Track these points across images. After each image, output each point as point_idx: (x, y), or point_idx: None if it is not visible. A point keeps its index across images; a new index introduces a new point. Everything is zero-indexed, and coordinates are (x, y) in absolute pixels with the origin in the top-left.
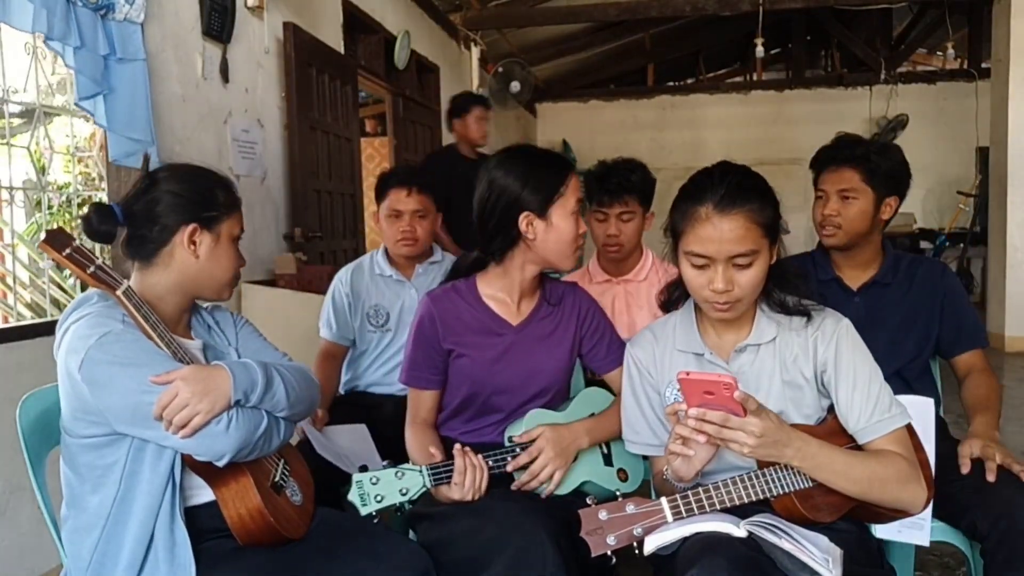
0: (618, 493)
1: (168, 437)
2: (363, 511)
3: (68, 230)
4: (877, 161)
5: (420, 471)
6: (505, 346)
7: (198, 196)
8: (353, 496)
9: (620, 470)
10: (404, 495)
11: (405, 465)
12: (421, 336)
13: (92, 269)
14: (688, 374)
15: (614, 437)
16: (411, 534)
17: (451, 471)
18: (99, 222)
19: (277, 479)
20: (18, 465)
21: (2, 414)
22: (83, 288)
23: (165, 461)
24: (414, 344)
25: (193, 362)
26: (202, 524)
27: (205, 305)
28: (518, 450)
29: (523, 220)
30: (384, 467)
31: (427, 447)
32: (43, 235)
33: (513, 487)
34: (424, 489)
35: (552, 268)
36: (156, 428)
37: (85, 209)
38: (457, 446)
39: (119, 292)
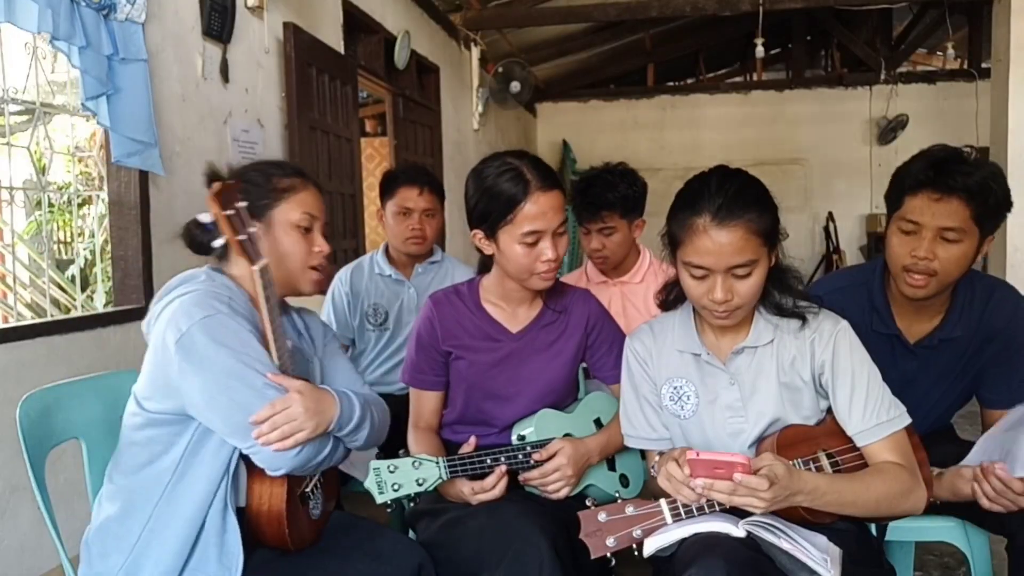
0: (618, 495)
1: (233, 435)
2: (379, 499)
3: (71, 230)
4: (992, 192)
5: (437, 463)
6: (503, 353)
7: (251, 186)
8: (370, 483)
9: (622, 475)
10: (421, 485)
11: (422, 455)
12: (421, 339)
13: (244, 236)
14: (698, 454)
15: (620, 450)
16: (410, 533)
17: (467, 465)
18: None
19: (307, 490)
20: (18, 465)
21: (2, 414)
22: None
23: (225, 453)
24: (415, 346)
25: (292, 359)
26: None
27: (296, 308)
28: (528, 448)
29: (475, 235)
30: (400, 456)
31: (434, 450)
32: (214, 186)
33: (521, 479)
34: (440, 481)
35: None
36: (227, 421)
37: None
38: (501, 468)
39: (256, 267)
